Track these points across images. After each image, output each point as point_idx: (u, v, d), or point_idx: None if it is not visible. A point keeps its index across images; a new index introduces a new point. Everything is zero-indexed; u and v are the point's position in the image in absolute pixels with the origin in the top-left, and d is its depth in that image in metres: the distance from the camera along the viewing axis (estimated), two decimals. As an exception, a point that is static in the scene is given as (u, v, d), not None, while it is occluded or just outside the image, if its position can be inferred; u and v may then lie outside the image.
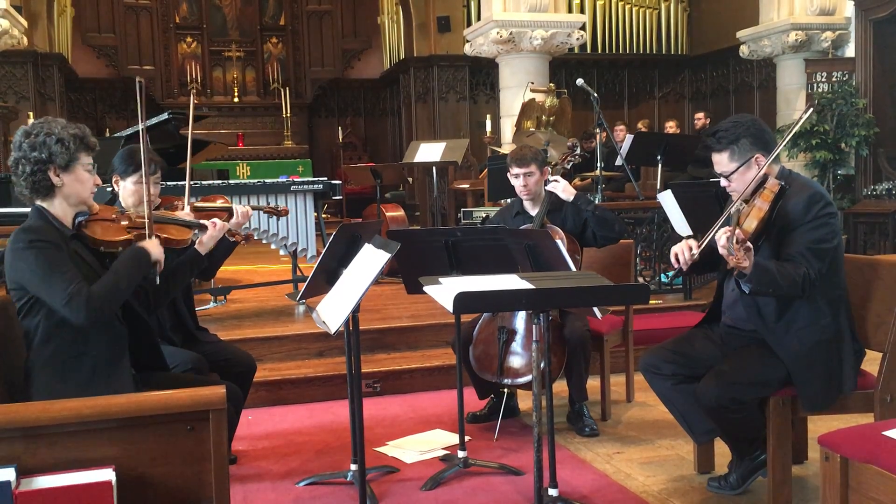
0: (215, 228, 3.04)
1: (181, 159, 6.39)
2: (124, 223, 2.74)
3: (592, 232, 3.95)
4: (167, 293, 2.99)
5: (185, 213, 3.16)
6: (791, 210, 2.81)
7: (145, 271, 2.64)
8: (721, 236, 2.64)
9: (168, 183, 5.16)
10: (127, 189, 3.26)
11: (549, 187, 3.94)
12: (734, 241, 2.57)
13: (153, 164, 3.28)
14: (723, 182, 2.98)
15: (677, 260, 2.89)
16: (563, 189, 3.93)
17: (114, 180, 3.32)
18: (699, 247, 2.86)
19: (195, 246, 3.01)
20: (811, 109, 3.19)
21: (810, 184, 2.94)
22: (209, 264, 3.24)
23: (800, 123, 3.10)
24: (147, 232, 2.72)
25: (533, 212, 4.04)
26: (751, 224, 2.72)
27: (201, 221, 3.06)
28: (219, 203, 3.53)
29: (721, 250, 2.68)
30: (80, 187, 2.55)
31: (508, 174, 4.04)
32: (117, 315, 2.62)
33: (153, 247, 2.66)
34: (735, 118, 2.97)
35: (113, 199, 3.57)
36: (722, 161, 2.93)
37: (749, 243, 2.63)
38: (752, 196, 2.83)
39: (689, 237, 2.98)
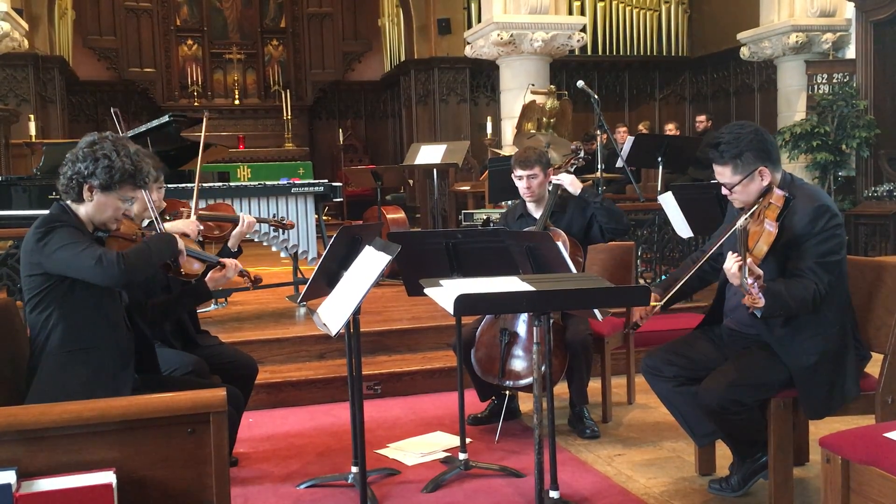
0: (229, 270, 3.08)
1: (182, 162, 6.40)
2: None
3: (599, 226, 3.94)
4: (166, 317, 3.05)
5: (197, 244, 3.20)
6: (797, 223, 2.78)
7: (171, 253, 2.75)
8: (732, 264, 2.61)
9: (169, 185, 5.17)
10: (142, 201, 3.27)
11: (557, 180, 3.95)
12: (747, 273, 2.52)
13: (156, 169, 3.31)
14: (724, 191, 2.96)
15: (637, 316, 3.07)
16: (571, 182, 3.94)
17: None
18: (662, 300, 3.01)
19: (206, 280, 3.04)
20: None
21: (815, 194, 2.89)
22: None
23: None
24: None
25: (536, 214, 4.04)
26: (762, 249, 2.66)
27: (220, 260, 3.08)
28: (225, 213, 3.58)
29: (733, 280, 2.65)
30: (105, 211, 2.60)
31: (512, 175, 4.04)
32: (126, 322, 2.66)
33: (179, 239, 2.77)
34: (737, 128, 2.91)
35: None
36: (725, 173, 2.90)
37: (760, 272, 2.58)
38: (755, 207, 2.80)
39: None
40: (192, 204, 3.49)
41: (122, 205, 2.61)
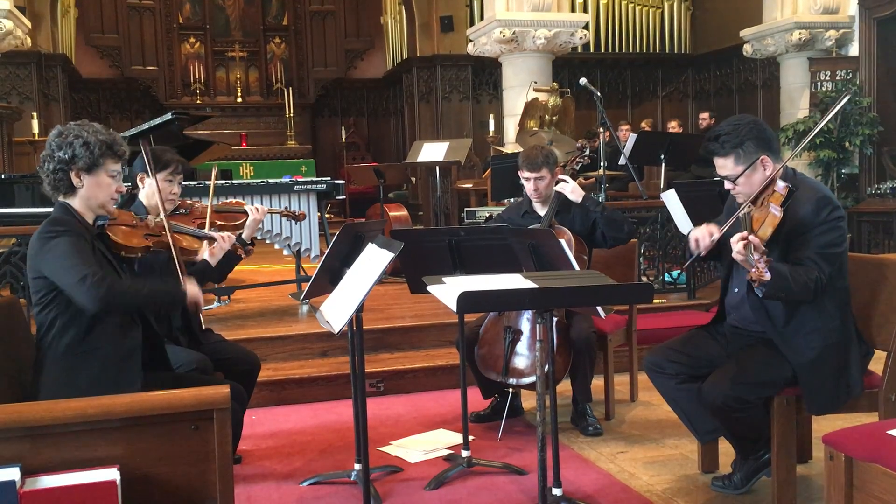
0: (224, 241, 3.18)
1: (185, 159, 6.41)
2: (143, 230, 2.84)
3: (602, 233, 3.94)
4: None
5: (190, 221, 3.29)
6: (800, 214, 2.79)
7: (167, 309, 2.96)
8: (736, 243, 2.61)
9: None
10: (153, 186, 3.29)
11: (558, 188, 3.93)
12: (752, 250, 2.54)
13: (179, 164, 3.41)
14: (727, 185, 2.95)
15: (696, 245, 2.92)
16: (572, 190, 3.91)
17: (139, 178, 3.43)
18: (721, 232, 2.90)
19: (206, 256, 3.12)
20: (830, 113, 3.19)
21: (817, 187, 2.91)
22: (218, 272, 3.33)
23: (826, 120, 3.14)
24: (167, 239, 2.86)
25: (541, 211, 4.03)
26: (766, 231, 2.68)
27: (210, 234, 3.17)
28: (236, 206, 3.67)
29: (736, 256, 2.63)
30: (99, 191, 2.60)
31: (519, 174, 4.02)
32: (132, 315, 2.67)
33: (193, 291, 2.75)
34: (735, 120, 2.93)
35: (128, 201, 3.62)
36: (727, 165, 2.90)
37: (765, 249, 2.59)
38: (759, 197, 2.81)
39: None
40: (208, 203, 3.57)
41: (112, 180, 2.62)
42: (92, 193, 2.60)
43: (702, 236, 2.92)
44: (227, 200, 3.90)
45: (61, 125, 2.64)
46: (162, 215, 2.94)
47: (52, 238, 2.49)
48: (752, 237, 2.57)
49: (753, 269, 2.57)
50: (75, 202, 2.60)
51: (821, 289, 2.75)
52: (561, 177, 3.95)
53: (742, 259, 2.61)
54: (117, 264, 2.69)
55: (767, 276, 2.58)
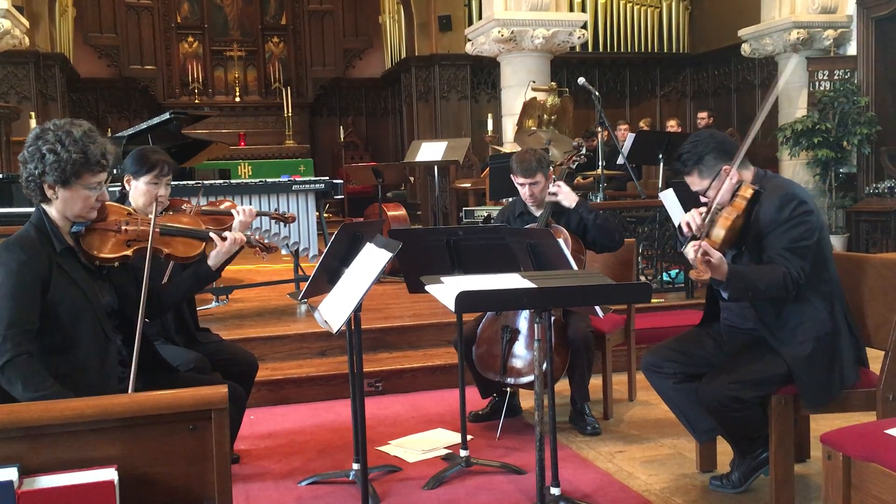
0: (228, 244, 2.83)
1: (183, 159, 6.41)
2: (127, 235, 2.58)
3: (593, 238, 3.94)
4: (170, 305, 2.96)
5: (191, 219, 3.07)
6: (764, 214, 2.86)
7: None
8: (689, 249, 2.73)
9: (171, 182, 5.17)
10: (138, 189, 3.25)
11: (552, 193, 3.92)
12: (697, 250, 2.67)
13: (165, 165, 3.28)
14: (703, 199, 3.02)
15: (689, 228, 2.97)
16: (565, 196, 3.91)
17: (125, 179, 3.32)
18: (708, 211, 2.95)
19: (208, 261, 2.86)
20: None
21: (784, 185, 2.96)
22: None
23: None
24: (148, 248, 2.56)
25: (537, 212, 4.02)
26: (718, 234, 2.77)
27: (212, 235, 2.84)
28: (225, 206, 3.53)
29: (689, 258, 2.77)
30: (74, 205, 2.43)
31: (513, 178, 4.01)
32: (104, 330, 2.49)
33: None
34: (694, 138, 3.03)
35: (120, 199, 3.58)
36: (694, 182, 3.02)
37: (718, 254, 2.69)
38: (728, 203, 2.87)
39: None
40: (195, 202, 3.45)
41: (90, 192, 2.44)
42: (66, 206, 2.42)
43: (692, 218, 2.98)
44: (221, 199, 3.82)
45: (41, 126, 2.45)
46: (151, 225, 2.62)
47: (1, 263, 2.32)
48: (703, 242, 2.69)
49: (693, 270, 2.72)
50: (51, 210, 2.46)
51: (793, 283, 2.79)
52: (553, 185, 3.94)
53: (691, 258, 2.74)
54: (87, 280, 2.47)
55: (706, 276, 2.70)
